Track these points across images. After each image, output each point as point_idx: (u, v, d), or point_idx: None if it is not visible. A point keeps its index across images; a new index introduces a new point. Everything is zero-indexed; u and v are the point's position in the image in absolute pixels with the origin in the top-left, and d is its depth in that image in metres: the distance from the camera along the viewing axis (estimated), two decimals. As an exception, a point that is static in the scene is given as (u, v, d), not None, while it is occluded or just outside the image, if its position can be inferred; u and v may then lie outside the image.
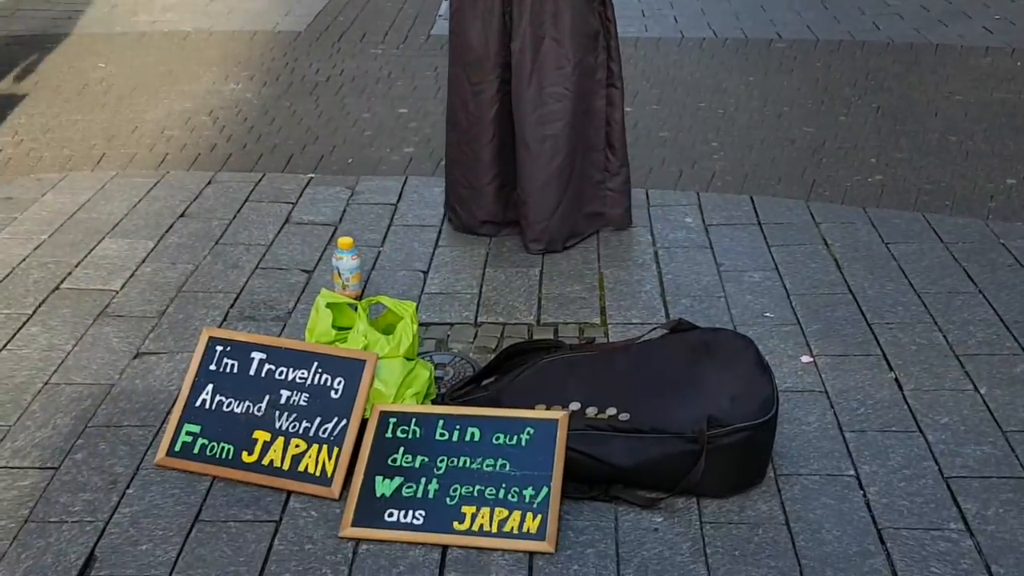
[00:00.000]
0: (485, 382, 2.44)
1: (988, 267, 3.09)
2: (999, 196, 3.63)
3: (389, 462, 2.15)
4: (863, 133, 4.22)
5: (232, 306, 2.91)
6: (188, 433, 2.26)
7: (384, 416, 2.23)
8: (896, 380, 2.54)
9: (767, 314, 2.85)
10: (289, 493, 2.16)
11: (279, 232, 3.35)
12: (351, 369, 2.27)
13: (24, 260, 3.14)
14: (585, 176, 3.19)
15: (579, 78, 3.05)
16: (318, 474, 2.16)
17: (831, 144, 4.12)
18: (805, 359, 2.63)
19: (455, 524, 2.04)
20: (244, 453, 2.22)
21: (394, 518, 2.06)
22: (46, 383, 2.53)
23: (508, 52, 3.04)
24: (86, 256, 3.17)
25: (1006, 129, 4.24)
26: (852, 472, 2.22)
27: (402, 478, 2.12)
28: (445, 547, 2.01)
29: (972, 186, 3.72)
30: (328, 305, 2.44)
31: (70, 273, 3.07)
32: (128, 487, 2.18)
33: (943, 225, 3.36)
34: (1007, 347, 2.68)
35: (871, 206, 3.55)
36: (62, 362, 2.62)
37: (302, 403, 2.25)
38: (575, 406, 2.26)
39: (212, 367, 2.35)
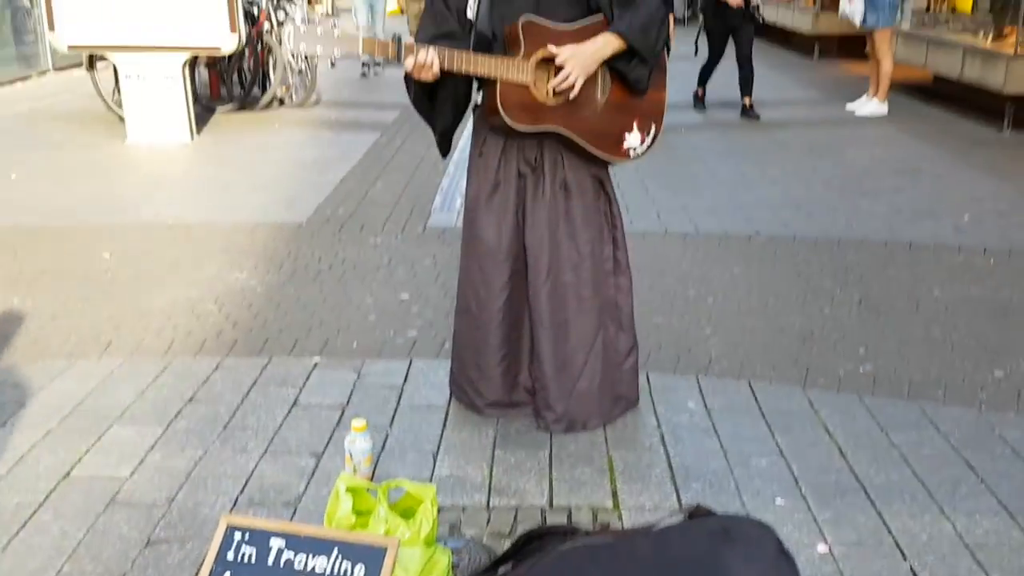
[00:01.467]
0: (502, 569, 2.42)
1: (987, 457, 3.16)
2: (989, 387, 3.72)
3: (413, 654, 2.11)
4: (849, 324, 4.36)
5: (241, 492, 2.90)
6: (206, 624, 2.21)
7: (407, 605, 2.20)
8: (912, 570, 2.55)
9: (778, 501, 2.87)
10: None
11: (287, 415, 3.38)
12: (372, 556, 2.24)
13: (33, 447, 3.13)
14: (607, 359, 3.32)
15: (591, 268, 3.22)
16: (339, 667, 2.11)
17: (819, 333, 4.24)
18: (821, 548, 2.64)
19: None
20: (263, 645, 2.16)
21: None
22: (59, 572, 2.49)
23: (519, 245, 3.20)
24: (95, 443, 3.17)
25: (987, 323, 4.36)
26: (880, 663, 2.20)
27: (427, 671, 2.08)
28: None
29: (961, 377, 3.81)
30: (348, 489, 2.45)
31: (80, 460, 3.06)
32: None
33: (939, 415, 3.45)
34: (1014, 537, 2.71)
35: (866, 394, 3.64)
36: (74, 551, 2.58)
37: (323, 592, 2.22)
38: (598, 595, 2.24)
39: (230, 556, 2.31)
